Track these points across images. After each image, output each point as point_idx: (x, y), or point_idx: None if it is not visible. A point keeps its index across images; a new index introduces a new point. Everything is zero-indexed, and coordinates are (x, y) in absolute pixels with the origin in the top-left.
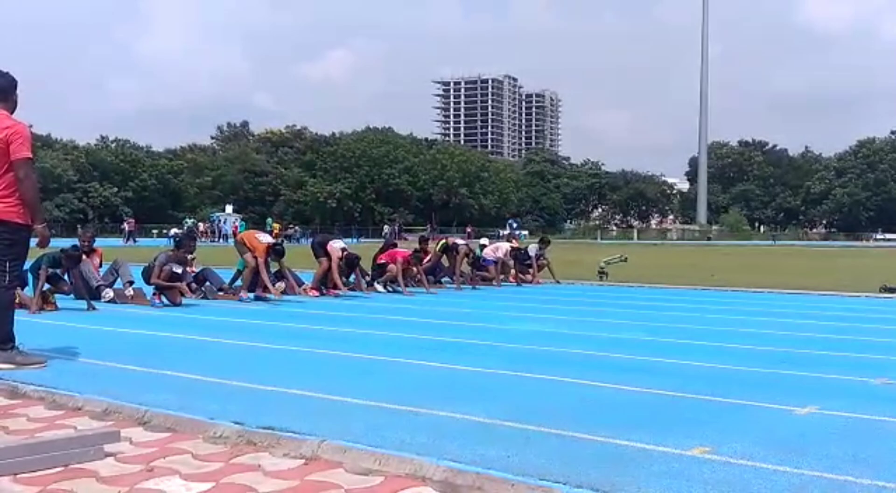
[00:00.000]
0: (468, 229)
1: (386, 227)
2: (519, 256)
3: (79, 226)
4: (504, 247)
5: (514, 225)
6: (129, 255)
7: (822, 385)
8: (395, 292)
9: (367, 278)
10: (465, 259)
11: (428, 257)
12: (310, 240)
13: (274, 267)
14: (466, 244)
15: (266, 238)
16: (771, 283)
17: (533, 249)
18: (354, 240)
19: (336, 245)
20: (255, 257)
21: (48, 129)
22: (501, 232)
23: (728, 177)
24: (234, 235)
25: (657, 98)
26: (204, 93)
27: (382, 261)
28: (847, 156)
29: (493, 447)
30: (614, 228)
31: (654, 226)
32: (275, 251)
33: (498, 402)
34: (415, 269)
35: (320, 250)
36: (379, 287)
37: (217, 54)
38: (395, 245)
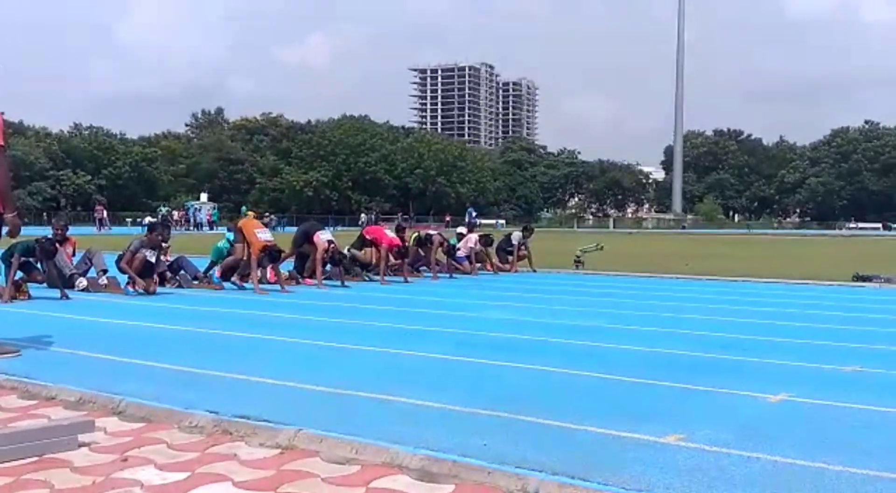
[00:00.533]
0: (447, 218)
1: (363, 215)
2: (500, 244)
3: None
4: (473, 237)
5: (474, 213)
6: (102, 243)
7: (793, 372)
8: (371, 281)
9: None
10: (440, 248)
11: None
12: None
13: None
14: (439, 234)
15: (265, 236)
16: (744, 271)
17: (516, 237)
18: (331, 228)
19: (323, 236)
20: (253, 253)
21: (20, 116)
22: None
23: (703, 166)
24: (210, 224)
25: (635, 87)
26: (179, 77)
27: (369, 237)
28: (821, 145)
29: (470, 434)
30: (591, 216)
31: (630, 215)
32: (270, 255)
33: (473, 390)
34: (398, 261)
35: (302, 240)
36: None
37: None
38: (472, 231)
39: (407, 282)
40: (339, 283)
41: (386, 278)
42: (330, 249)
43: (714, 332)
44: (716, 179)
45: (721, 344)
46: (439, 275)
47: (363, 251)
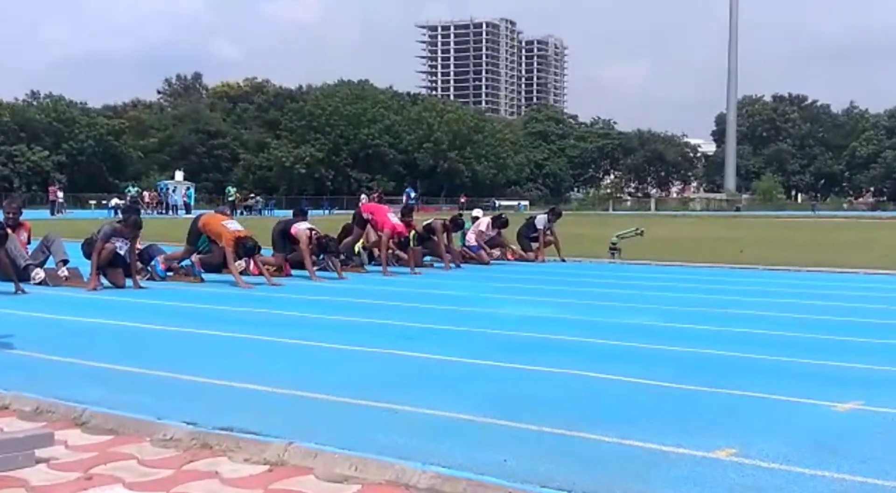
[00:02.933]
0: (462, 199)
1: (363, 196)
2: (523, 230)
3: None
4: (484, 221)
5: (412, 194)
6: (62, 228)
7: (866, 377)
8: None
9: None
10: (447, 233)
11: (412, 233)
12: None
13: None
14: (442, 221)
15: (234, 226)
16: (810, 260)
17: (541, 220)
18: (326, 212)
19: (301, 227)
20: (226, 248)
21: None
22: (498, 203)
23: (760, 137)
24: (186, 207)
25: (678, 46)
26: (149, 38)
27: (367, 215)
28: None
29: (487, 449)
30: (628, 197)
31: (674, 194)
32: (245, 248)
33: (490, 397)
34: (401, 252)
35: (283, 243)
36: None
37: None
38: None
39: (415, 273)
40: (335, 275)
41: (389, 268)
42: (313, 236)
43: (773, 330)
44: (775, 152)
45: (781, 344)
46: (438, 265)
47: (361, 236)
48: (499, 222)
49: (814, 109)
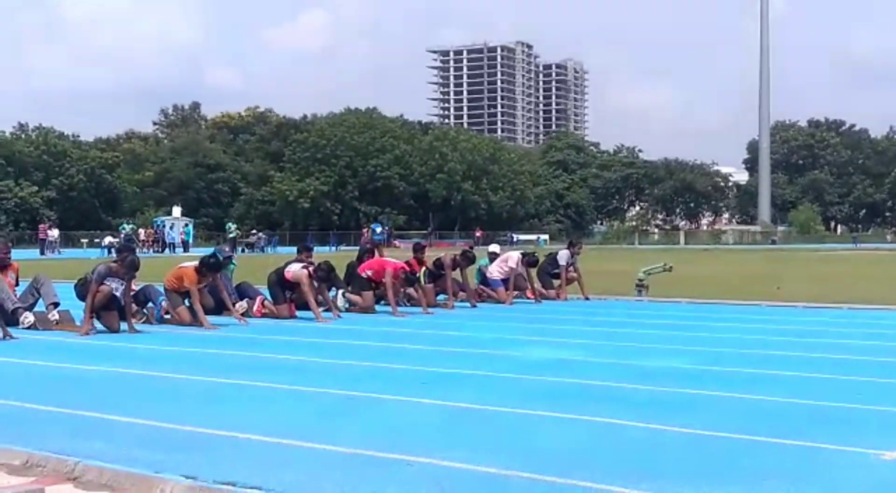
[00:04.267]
0: (478, 233)
1: (375, 228)
2: (544, 266)
3: None
4: (515, 256)
5: (378, 229)
6: (52, 269)
7: None
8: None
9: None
10: (460, 269)
11: (423, 269)
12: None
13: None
14: (452, 256)
15: (190, 263)
16: (852, 296)
17: (564, 256)
18: (332, 248)
19: (295, 268)
20: (189, 287)
21: None
22: (516, 237)
23: (796, 165)
24: (184, 245)
25: (707, 69)
26: (145, 67)
27: (367, 273)
28: None
29: None
30: (655, 229)
31: (704, 227)
32: (207, 266)
33: (511, 447)
34: (412, 290)
35: (282, 290)
36: (340, 302)
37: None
38: (372, 252)
39: (427, 313)
40: (344, 315)
41: (400, 308)
42: (312, 272)
43: (812, 372)
44: (812, 181)
45: (821, 387)
46: (457, 304)
47: (361, 295)
48: (530, 261)
49: (853, 134)
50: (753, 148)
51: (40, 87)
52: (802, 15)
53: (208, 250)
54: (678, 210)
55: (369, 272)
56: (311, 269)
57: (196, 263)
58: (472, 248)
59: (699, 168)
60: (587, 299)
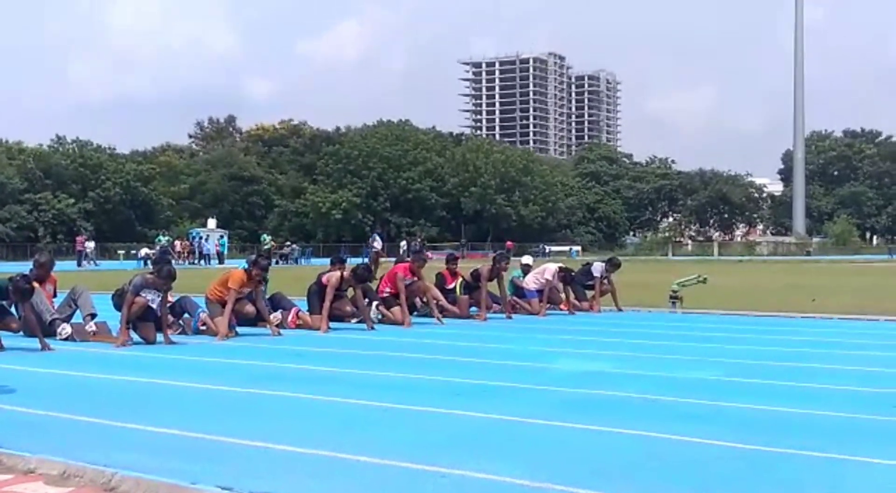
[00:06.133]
0: (508, 244)
1: (403, 243)
2: (578, 277)
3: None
4: (552, 269)
5: (377, 241)
6: (89, 281)
7: None
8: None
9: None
10: (497, 280)
11: (456, 282)
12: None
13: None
14: (488, 267)
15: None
16: (887, 308)
17: (598, 268)
18: (365, 259)
19: (328, 274)
20: (230, 290)
21: None
22: (548, 248)
23: (831, 176)
24: (219, 256)
25: (742, 79)
26: (180, 80)
27: (387, 292)
28: None
29: None
30: (689, 241)
31: (739, 238)
32: (258, 266)
33: (546, 460)
34: (431, 296)
35: (319, 294)
36: (373, 314)
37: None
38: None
39: (466, 317)
40: (377, 327)
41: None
42: (343, 277)
43: (848, 385)
44: (849, 193)
45: (862, 400)
46: (490, 316)
47: (392, 312)
48: (565, 275)
49: (889, 144)
50: (788, 158)
51: (77, 100)
52: (838, 24)
53: (242, 262)
54: (712, 221)
55: (387, 290)
56: (349, 272)
57: (245, 266)
58: (503, 254)
59: (733, 179)
60: (620, 310)
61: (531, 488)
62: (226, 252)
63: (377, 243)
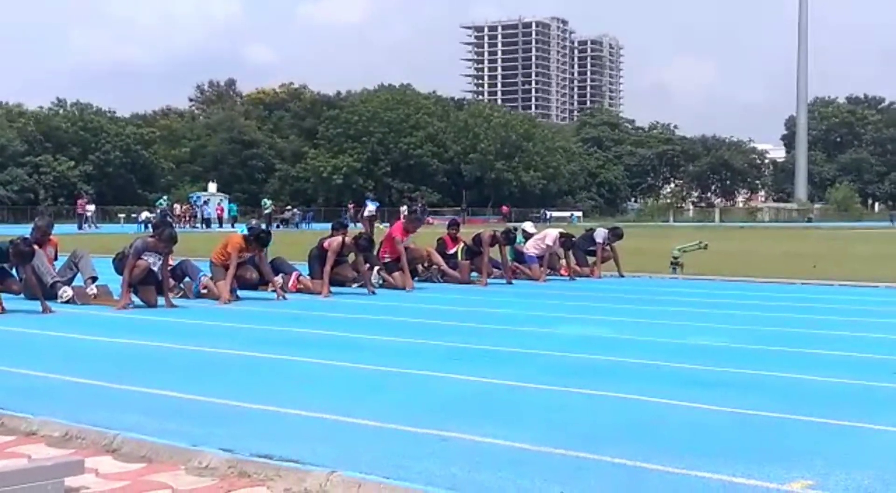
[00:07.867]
0: (504, 209)
1: (403, 208)
2: (580, 242)
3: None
4: (552, 234)
5: (370, 206)
6: (90, 244)
7: None
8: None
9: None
10: (499, 246)
11: (457, 247)
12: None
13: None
14: (490, 232)
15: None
16: (888, 275)
17: (600, 234)
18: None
19: (330, 239)
20: (230, 253)
21: None
22: (550, 214)
23: (834, 142)
24: (221, 220)
25: (744, 45)
26: (181, 44)
27: (386, 258)
28: None
29: (542, 480)
30: (691, 207)
31: (740, 204)
32: (257, 239)
33: (546, 424)
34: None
35: (320, 266)
36: (375, 279)
37: None
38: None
39: (468, 283)
40: (377, 290)
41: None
42: (351, 242)
43: (850, 351)
44: (851, 159)
45: (860, 366)
46: (491, 282)
47: (393, 277)
48: (566, 241)
49: (892, 111)
50: (791, 125)
51: (77, 64)
52: None
53: (242, 227)
54: (714, 188)
55: (387, 256)
56: (350, 239)
57: (244, 232)
58: (515, 228)
59: (736, 145)
60: (622, 276)
61: (532, 451)
62: (237, 216)
63: (371, 207)
